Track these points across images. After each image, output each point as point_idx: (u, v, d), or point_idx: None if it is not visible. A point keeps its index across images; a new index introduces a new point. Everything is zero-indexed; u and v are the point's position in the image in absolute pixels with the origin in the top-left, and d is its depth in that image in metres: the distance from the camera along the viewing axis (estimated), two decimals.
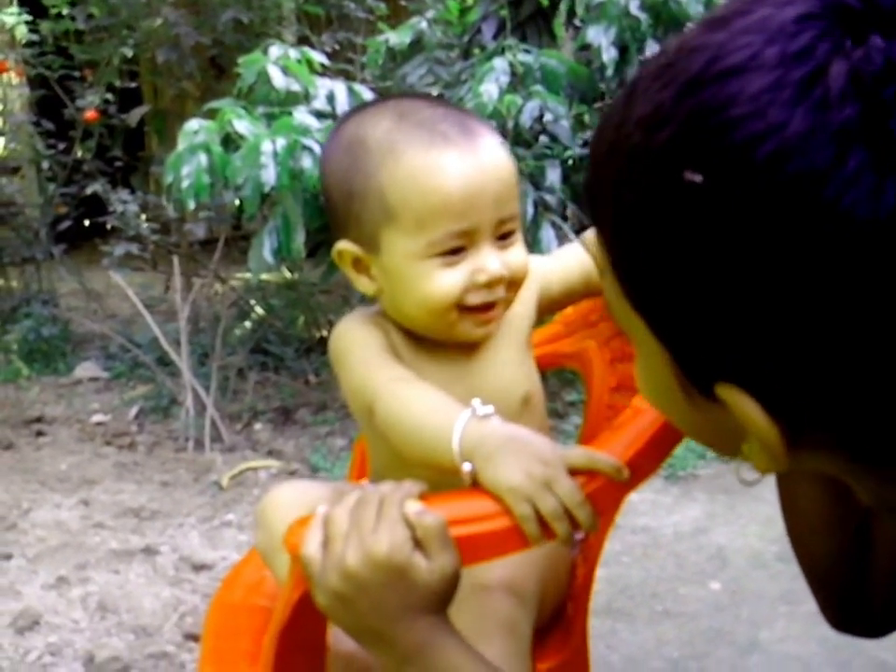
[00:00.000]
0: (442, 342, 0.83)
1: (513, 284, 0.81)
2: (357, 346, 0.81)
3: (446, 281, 0.78)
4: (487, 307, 0.80)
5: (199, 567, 1.92)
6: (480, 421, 0.67)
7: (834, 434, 0.45)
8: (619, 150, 0.46)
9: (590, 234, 0.55)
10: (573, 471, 0.63)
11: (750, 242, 0.41)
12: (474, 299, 0.79)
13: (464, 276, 0.78)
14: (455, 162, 0.76)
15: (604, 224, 0.49)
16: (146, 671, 1.57)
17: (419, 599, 0.61)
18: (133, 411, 2.86)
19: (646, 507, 2.13)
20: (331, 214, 0.83)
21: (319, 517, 0.64)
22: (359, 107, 0.86)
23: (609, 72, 2.07)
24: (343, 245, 0.82)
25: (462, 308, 0.79)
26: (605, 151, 0.47)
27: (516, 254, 0.81)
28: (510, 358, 0.85)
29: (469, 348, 0.84)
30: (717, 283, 0.42)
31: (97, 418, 2.85)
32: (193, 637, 1.65)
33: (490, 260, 0.78)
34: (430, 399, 0.73)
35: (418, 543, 0.61)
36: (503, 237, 0.80)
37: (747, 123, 0.40)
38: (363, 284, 0.83)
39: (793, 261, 0.40)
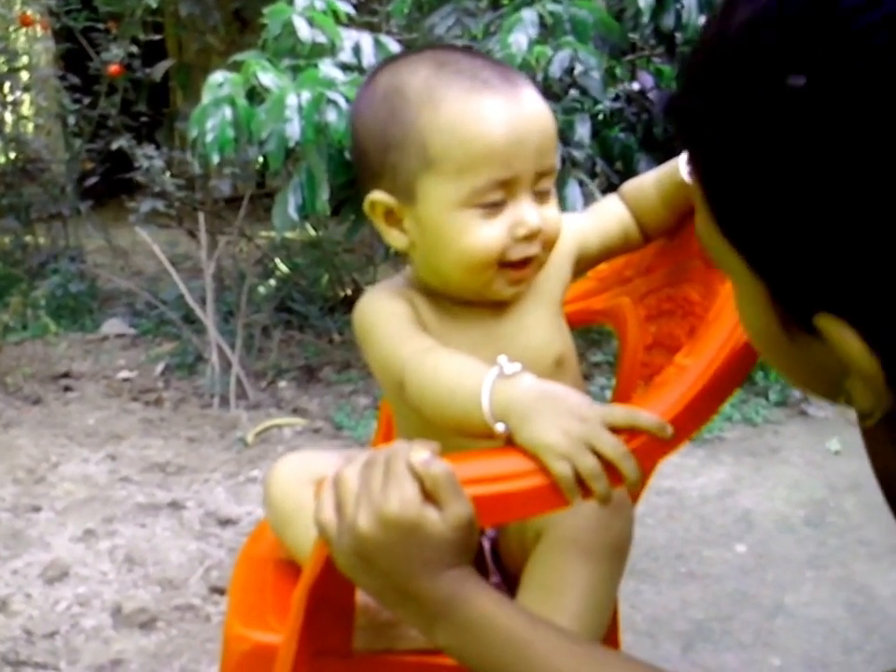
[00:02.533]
0: (470, 302, 0.81)
1: (548, 242, 0.79)
2: (382, 321, 0.79)
3: (487, 234, 0.76)
4: (524, 263, 0.78)
5: (224, 522, 1.93)
6: (508, 379, 0.65)
7: None
8: (717, 61, 0.44)
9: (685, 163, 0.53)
10: (612, 430, 0.61)
11: (855, 150, 0.39)
12: (514, 254, 0.77)
13: (503, 230, 0.76)
14: (499, 109, 0.74)
15: (698, 147, 0.47)
16: (172, 623, 1.59)
17: (437, 552, 0.60)
18: (160, 367, 2.88)
19: (671, 469, 2.11)
20: (364, 165, 0.81)
21: (330, 480, 0.63)
22: (393, 58, 0.83)
23: (646, 18, 2.00)
24: (377, 196, 0.79)
25: (501, 264, 0.77)
26: (701, 65, 0.46)
27: (552, 211, 0.79)
28: (541, 319, 0.83)
29: (497, 310, 0.82)
30: (815, 200, 0.41)
31: (124, 374, 2.87)
32: (219, 591, 1.67)
33: (529, 213, 0.76)
34: (458, 364, 0.71)
35: (429, 496, 0.59)
36: (539, 193, 0.78)
37: (862, 14, 0.38)
38: (394, 237, 0.81)
39: None
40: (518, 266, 0.78)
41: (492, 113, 0.74)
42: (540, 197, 0.78)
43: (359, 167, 0.82)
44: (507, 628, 0.59)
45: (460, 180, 0.74)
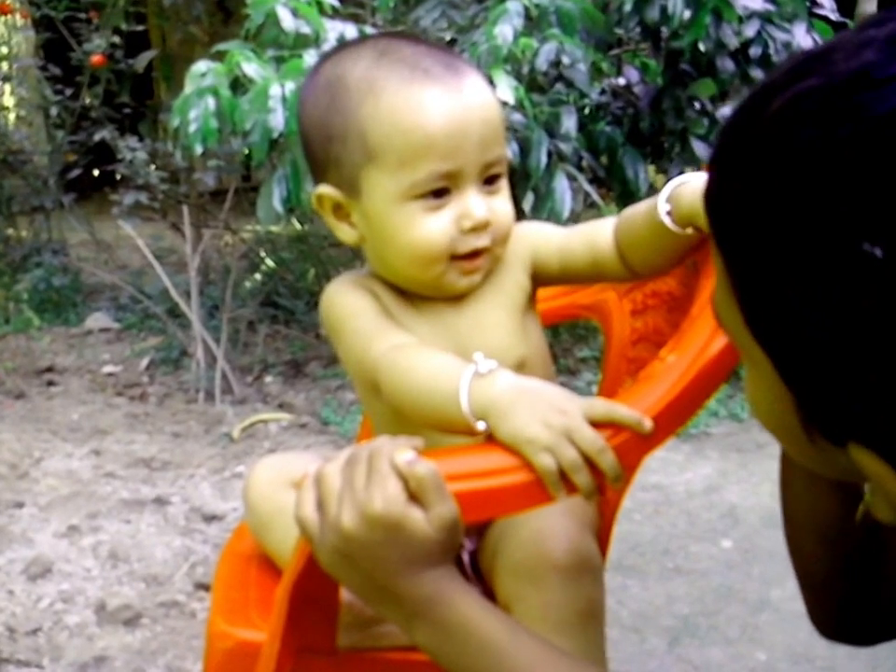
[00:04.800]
0: (426, 296, 0.80)
1: (499, 234, 0.77)
2: (350, 316, 0.78)
3: (432, 227, 0.74)
4: (474, 255, 0.77)
5: (209, 518, 1.92)
6: (485, 377, 0.64)
7: None
8: (752, 153, 0.42)
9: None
10: (593, 424, 0.61)
11: None
12: (463, 246, 0.75)
13: (450, 222, 0.74)
14: (439, 99, 0.72)
15: (727, 239, 0.45)
16: (156, 619, 1.58)
17: (420, 552, 0.59)
18: (144, 362, 2.86)
19: (658, 464, 2.12)
20: (310, 158, 0.79)
21: (311, 476, 0.63)
22: (338, 47, 0.81)
23: (629, 7, 1.99)
24: (323, 190, 0.78)
25: (452, 257, 0.76)
26: (734, 153, 0.44)
27: (501, 202, 0.77)
28: (501, 322, 0.81)
29: (455, 304, 0.81)
30: (872, 333, 0.39)
31: (108, 369, 2.85)
32: (204, 587, 1.66)
33: (475, 205, 0.74)
34: (433, 363, 0.70)
35: (413, 495, 0.59)
36: (488, 181, 0.76)
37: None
38: (344, 231, 0.79)
39: None
40: (469, 258, 0.77)
41: (431, 103, 0.72)
42: (490, 188, 0.76)
43: (307, 159, 0.80)
44: (485, 633, 0.59)
45: (401, 172, 0.73)
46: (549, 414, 0.60)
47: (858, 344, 0.40)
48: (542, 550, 0.75)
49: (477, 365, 0.65)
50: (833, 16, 2.23)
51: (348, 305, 0.79)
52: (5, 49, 3.79)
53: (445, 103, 0.72)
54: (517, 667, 0.58)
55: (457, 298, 0.80)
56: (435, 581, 0.60)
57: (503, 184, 0.78)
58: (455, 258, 0.76)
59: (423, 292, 0.80)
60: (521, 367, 0.81)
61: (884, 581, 0.69)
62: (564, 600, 0.74)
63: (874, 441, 0.42)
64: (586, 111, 2.29)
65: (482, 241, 0.76)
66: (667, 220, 0.74)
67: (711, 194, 0.46)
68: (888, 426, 0.41)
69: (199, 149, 1.82)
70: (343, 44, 0.83)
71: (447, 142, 0.72)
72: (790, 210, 0.41)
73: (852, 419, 0.42)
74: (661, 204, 0.74)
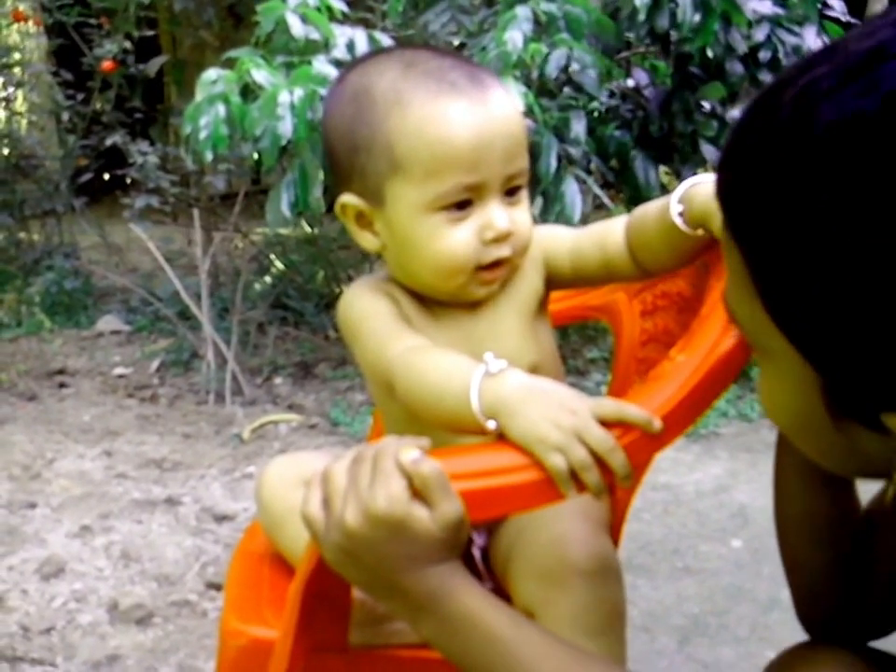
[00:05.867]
0: (446, 302, 0.81)
1: (519, 245, 0.79)
2: (367, 318, 0.79)
3: (456, 239, 0.76)
4: (495, 265, 0.78)
5: (220, 518, 1.93)
6: (496, 376, 0.65)
7: None
8: (770, 143, 0.42)
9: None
10: (602, 423, 0.61)
11: None
12: (486, 257, 0.77)
13: (473, 234, 0.76)
14: (465, 112, 0.74)
15: (747, 230, 0.45)
16: (168, 619, 1.59)
17: (425, 550, 0.60)
18: (155, 364, 2.88)
19: (667, 464, 2.12)
20: (334, 167, 0.80)
21: (318, 475, 0.64)
22: (363, 57, 0.82)
23: (642, 16, 2.00)
24: (347, 199, 0.79)
25: (477, 268, 0.77)
26: (750, 148, 0.44)
27: (522, 213, 0.79)
28: (514, 328, 0.83)
29: (472, 311, 0.82)
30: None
31: (119, 371, 2.86)
32: (215, 587, 1.67)
33: (498, 216, 0.76)
34: (445, 363, 0.71)
35: (417, 493, 0.59)
36: (510, 193, 0.77)
37: None
38: (366, 240, 0.81)
39: None
40: (490, 268, 0.78)
41: (458, 117, 0.73)
42: (511, 199, 0.77)
43: (332, 168, 0.81)
44: (490, 627, 0.59)
45: (427, 184, 0.74)
46: (559, 414, 0.61)
47: (886, 312, 0.40)
48: (564, 554, 0.75)
49: (488, 364, 0.66)
50: (844, 18, 2.23)
51: (366, 308, 0.80)
52: (17, 56, 3.82)
53: (471, 116, 0.73)
54: (521, 661, 0.59)
55: (474, 304, 0.82)
56: (440, 576, 0.60)
57: (524, 195, 0.79)
58: (478, 268, 0.77)
59: (441, 299, 0.81)
60: (533, 371, 0.81)
61: (875, 581, 0.70)
62: (593, 604, 0.74)
63: None
64: (595, 114, 2.29)
65: (503, 251, 0.77)
66: (679, 221, 0.74)
67: (728, 190, 0.46)
68: None
69: (209, 156, 1.84)
70: (367, 54, 0.84)
71: (472, 155, 0.73)
72: (813, 192, 0.41)
73: (886, 386, 0.42)
74: (673, 205, 0.75)
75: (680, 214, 0.74)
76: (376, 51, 0.83)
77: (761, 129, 0.44)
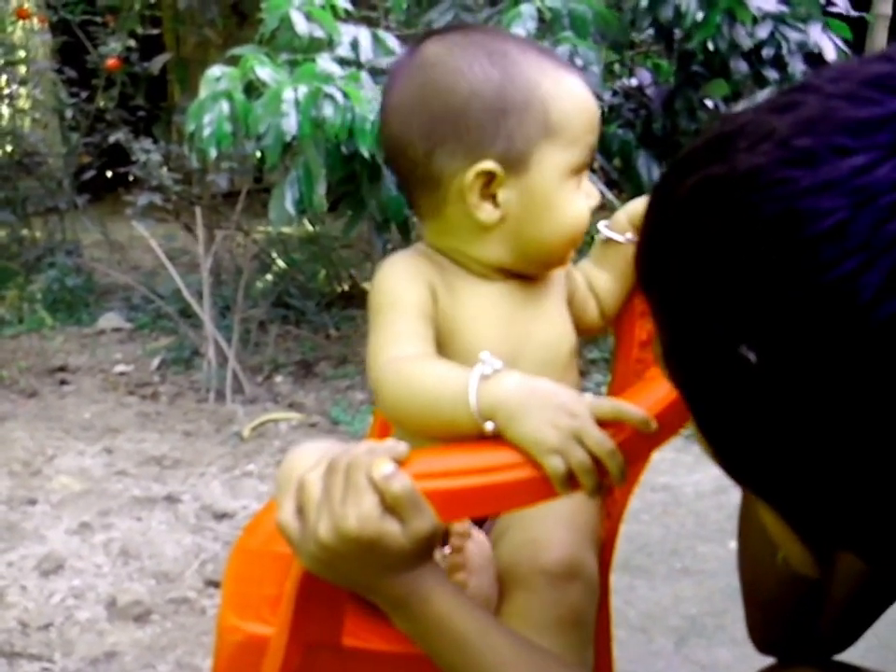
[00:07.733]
0: (496, 278, 0.80)
1: None
2: (387, 308, 0.75)
3: (584, 204, 0.79)
4: None
5: (220, 516, 1.94)
6: (493, 377, 0.64)
7: None
8: (666, 232, 0.44)
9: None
10: (599, 423, 0.62)
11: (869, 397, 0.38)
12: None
13: (585, 200, 0.80)
14: (583, 85, 0.79)
15: (686, 384, 0.47)
16: (166, 616, 1.60)
17: (396, 561, 0.61)
18: (156, 361, 2.88)
19: (666, 465, 2.12)
20: (467, 134, 0.75)
21: (294, 482, 0.64)
22: (443, 30, 0.85)
23: (644, 3, 1.99)
24: (486, 165, 0.74)
25: None
26: (654, 226, 0.46)
27: None
28: (562, 309, 0.85)
29: (525, 288, 0.82)
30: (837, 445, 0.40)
31: (120, 368, 2.87)
32: (214, 584, 1.67)
33: (591, 186, 0.80)
34: (439, 368, 0.69)
35: (389, 508, 0.60)
36: None
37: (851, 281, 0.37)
38: (485, 211, 0.76)
39: None
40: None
41: (581, 87, 0.78)
42: None
43: (450, 140, 0.75)
44: (457, 629, 0.61)
45: (570, 149, 0.77)
46: (558, 416, 0.61)
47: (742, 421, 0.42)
48: (534, 556, 0.76)
49: (484, 365, 0.65)
50: (847, 13, 2.22)
51: (394, 293, 0.76)
52: (22, 53, 3.83)
53: (586, 90, 0.79)
54: (487, 666, 0.61)
55: (526, 282, 0.82)
56: (412, 582, 0.62)
57: None
58: None
59: (530, 270, 0.82)
60: (573, 354, 0.84)
61: (827, 599, 0.70)
62: (545, 603, 0.74)
63: (858, 544, 0.44)
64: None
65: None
66: (607, 231, 0.84)
67: (643, 255, 0.48)
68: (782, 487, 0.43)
69: (213, 153, 1.84)
70: (445, 29, 0.89)
71: (595, 124, 0.79)
72: (696, 287, 0.42)
73: (834, 525, 0.43)
74: (601, 227, 0.85)
75: (607, 226, 0.83)
76: (456, 27, 0.90)
77: (662, 211, 0.46)
